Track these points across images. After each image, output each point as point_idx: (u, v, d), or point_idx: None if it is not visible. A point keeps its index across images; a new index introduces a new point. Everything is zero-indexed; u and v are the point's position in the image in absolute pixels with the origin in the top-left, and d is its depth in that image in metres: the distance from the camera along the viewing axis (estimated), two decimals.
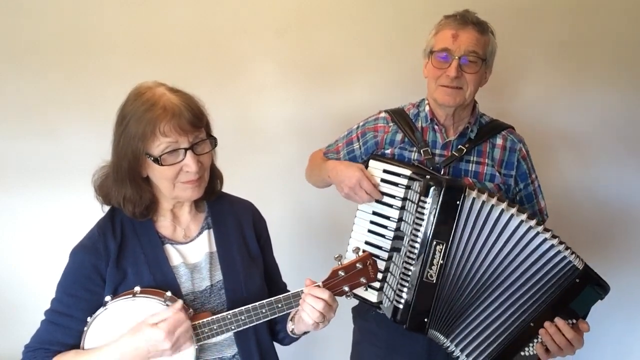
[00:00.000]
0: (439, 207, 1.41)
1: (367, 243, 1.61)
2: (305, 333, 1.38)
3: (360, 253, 1.32)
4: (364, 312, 1.73)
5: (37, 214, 2.19)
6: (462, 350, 1.46)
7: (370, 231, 1.60)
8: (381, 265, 1.56)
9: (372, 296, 1.59)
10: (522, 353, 1.44)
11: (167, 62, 2.14)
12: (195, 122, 1.22)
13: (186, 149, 1.22)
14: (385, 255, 1.58)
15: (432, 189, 1.42)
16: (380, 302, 1.58)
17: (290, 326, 1.38)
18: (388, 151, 1.67)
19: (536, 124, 2.27)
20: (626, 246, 2.40)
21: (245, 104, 2.25)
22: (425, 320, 1.46)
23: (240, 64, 2.22)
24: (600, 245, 2.37)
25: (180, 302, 1.22)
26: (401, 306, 1.47)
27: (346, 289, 1.30)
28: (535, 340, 1.43)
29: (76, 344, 1.24)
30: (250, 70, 2.23)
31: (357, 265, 1.30)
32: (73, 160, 2.13)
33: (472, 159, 1.63)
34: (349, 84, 2.27)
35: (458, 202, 1.41)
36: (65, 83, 2.12)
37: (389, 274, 1.56)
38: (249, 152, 2.26)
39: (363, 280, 1.31)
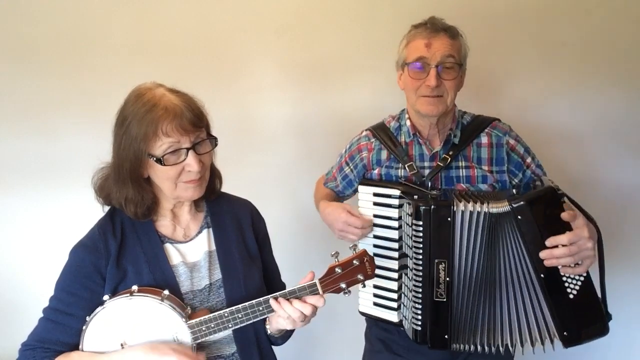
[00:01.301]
0: (431, 228, 1.45)
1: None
2: (289, 332, 1.42)
3: (357, 250, 1.32)
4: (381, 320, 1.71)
5: (37, 214, 2.19)
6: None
7: (375, 254, 1.61)
8: (393, 285, 1.59)
9: (392, 317, 1.62)
10: (571, 296, 1.41)
11: (167, 62, 2.14)
12: (196, 122, 1.23)
13: (188, 149, 1.23)
14: (395, 275, 1.59)
15: (422, 210, 1.45)
16: (402, 321, 1.61)
17: (267, 330, 1.39)
18: (376, 171, 1.68)
19: (535, 124, 2.27)
20: (627, 245, 2.40)
21: (245, 104, 2.26)
22: (446, 337, 1.48)
23: (240, 64, 2.22)
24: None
25: (203, 355, 1.25)
26: (420, 328, 1.51)
27: (343, 285, 1.30)
28: (564, 278, 1.41)
29: (75, 343, 1.24)
30: (250, 70, 2.23)
31: (354, 261, 1.30)
32: (73, 160, 2.14)
33: (460, 164, 1.62)
34: (349, 84, 2.27)
35: (449, 219, 1.44)
36: (65, 83, 2.13)
37: (403, 294, 1.58)
38: (248, 151, 2.27)
39: (360, 277, 1.31)
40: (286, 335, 1.44)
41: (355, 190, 1.73)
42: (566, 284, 1.41)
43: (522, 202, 1.39)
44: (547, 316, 1.44)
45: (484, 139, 1.63)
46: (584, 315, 1.42)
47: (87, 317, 1.23)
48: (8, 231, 2.19)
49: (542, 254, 1.38)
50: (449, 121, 1.64)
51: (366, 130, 1.76)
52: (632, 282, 2.43)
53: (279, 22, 2.20)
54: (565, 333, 1.43)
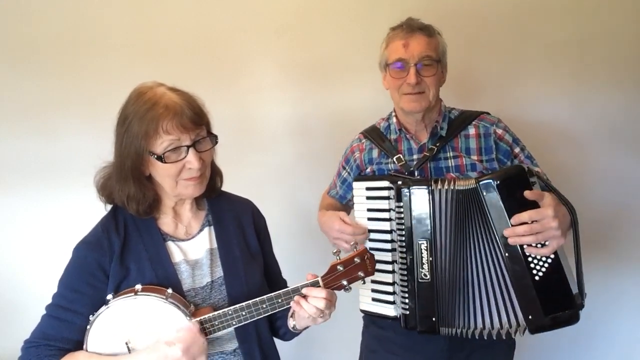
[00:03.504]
0: (411, 208, 1.49)
1: None
2: (306, 327, 1.40)
3: (358, 248, 1.34)
4: (379, 319, 1.70)
5: (37, 214, 2.19)
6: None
7: (370, 248, 1.61)
8: (388, 278, 1.60)
9: (389, 311, 1.62)
10: (537, 277, 1.39)
11: (167, 61, 2.15)
12: (196, 120, 1.24)
13: (188, 147, 1.24)
14: (389, 267, 1.60)
15: (402, 193, 1.50)
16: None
17: (291, 322, 1.39)
18: (368, 169, 1.72)
19: (536, 124, 2.28)
20: (627, 245, 2.40)
21: (245, 104, 2.26)
22: (434, 319, 1.49)
23: (239, 63, 2.22)
24: (600, 244, 2.37)
25: (196, 323, 1.23)
26: (408, 312, 1.52)
27: (345, 283, 1.33)
28: (530, 259, 1.40)
29: (79, 340, 1.25)
30: (250, 70, 2.24)
31: (355, 259, 1.32)
32: (73, 160, 2.14)
33: (448, 154, 1.64)
34: (349, 84, 2.28)
35: (429, 198, 1.48)
36: (65, 83, 2.13)
37: (395, 285, 1.59)
38: (248, 151, 2.27)
39: (361, 274, 1.33)
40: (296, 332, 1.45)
41: None
42: (532, 265, 1.40)
43: (487, 180, 1.40)
44: (514, 299, 1.44)
45: (472, 130, 1.65)
46: (550, 300, 1.40)
47: (91, 315, 1.23)
48: (8, 231, 2.19)
49: (506, 232, 1.39)
50: (435, 115, 1.67)
51: (359, 133, 1.81)
52: (632, 281, 2.43)
53: (279, 22, 2.21)
54: (530, 317, 1.41)
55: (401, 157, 1.65)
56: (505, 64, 2.27)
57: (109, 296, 1.23)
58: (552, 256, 1.39)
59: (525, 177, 1.38)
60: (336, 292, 1.34)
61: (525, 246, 1.39)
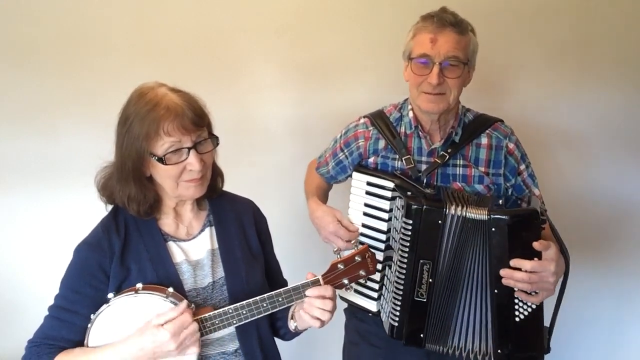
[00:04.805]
0: (420, 228, 1.43)
1: None
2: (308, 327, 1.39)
3: (359, 246, 1.34)
4: (360, 313, 1.71)
5: (37, 214, 2.19)
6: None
7: (361, 243, 1.60)
8: (376, 275, 1.58)
9: (371, 306, 1.62)
10: (517, 319, 1.41)
11: (167, 62, 2.14)
12: (197, 122, 1.24)
13: (189, 148, 1.23)
14: (379, 266, 1.58)
15: (413, 209, 1.43)
16: (380, 312, 1.61)
17: (292, 324, 1.39)
18: (371, 160, 1.66)
19: (536, 124, 2.28)
20: (627, 245, 2.40)
21: (245, 104, 2.26)
22: (422, 335, 1.49)
23: (240, 63, 2.22)
24: (600, 244, 2.38)
25: (185, 303, 1.22)
26: (397, 324, 1.50)
27: (345, 281, 1.33)
28: (516, 301, 1.41)
29: (80, 340, 1.25)
30: (250, 70, 2.23)
31: (356, 258, 1.33)
32: (73, 160, 2.13)
33: (458, 162, 1.60)
34: (349, 84, 2.28)
35: (440, 222, 1.43)
36: (65, 83, 2.12)
37: (384, 286, 1.58)
38: (248, 151, 2.27)
39: (362, 272, 1.34)
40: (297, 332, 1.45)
41: (349, 176, 1.72)
42: (516, 307, 1.41)
43: (500, 216, 1.38)
44: (489, 331, 1.44)
45: (484, 140, 1.61)
46: (522, 342, 1.43)
47: (92, 314, 1.23)
48: (8, 231, 2.19)
49: (503, 272, 1.38)
50: (451, 118, 1.61)
51: (364, 117, 1.73)
52: (633, 281, 2.43)
53: (279, 22, 2.20)
54: (499, 351, 1.44)
55: (411, 158, 1.60)
56: (505, 64, 2.27)
57: (110, 294, 1.24)
58: (538, 303, 1.41)
59: (537, 222, 1.37)
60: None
61: (515, 289, 1.39)
